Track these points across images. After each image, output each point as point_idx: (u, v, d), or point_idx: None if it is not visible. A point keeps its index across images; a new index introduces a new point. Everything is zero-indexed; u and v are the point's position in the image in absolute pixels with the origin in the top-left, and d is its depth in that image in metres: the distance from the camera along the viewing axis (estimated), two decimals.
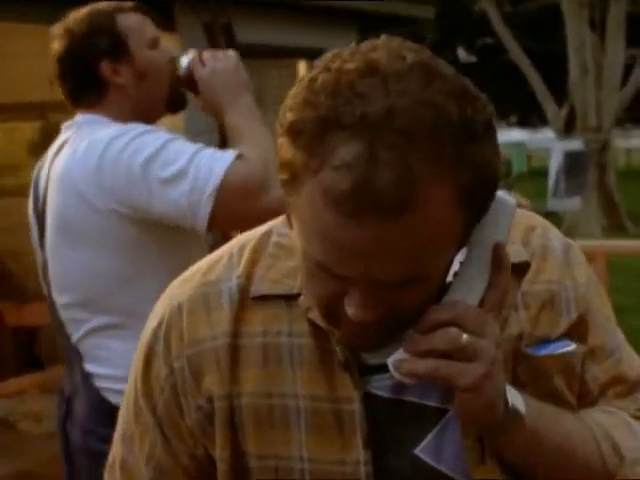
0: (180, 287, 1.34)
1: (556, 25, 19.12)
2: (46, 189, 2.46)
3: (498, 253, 1.18)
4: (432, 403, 1.25)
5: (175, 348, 1.30)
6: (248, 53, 8.49)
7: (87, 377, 2.46)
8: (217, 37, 7.37)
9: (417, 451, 1.25)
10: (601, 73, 17.75)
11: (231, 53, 2.52)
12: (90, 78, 2.44)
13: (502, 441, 1.21)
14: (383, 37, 1.13)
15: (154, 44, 2.49)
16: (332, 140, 1.04)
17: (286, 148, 1.09)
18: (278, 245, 1.30)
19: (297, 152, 1.07)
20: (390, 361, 1.16)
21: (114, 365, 2.40)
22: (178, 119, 2.60)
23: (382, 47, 1.09)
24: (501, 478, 1.24)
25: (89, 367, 2.46)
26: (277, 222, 1.32)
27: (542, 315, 1.29)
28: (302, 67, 9.44)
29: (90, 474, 2.47)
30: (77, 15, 2.45)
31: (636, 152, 37.75)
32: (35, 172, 2.57)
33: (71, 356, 2.51)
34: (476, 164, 1.07)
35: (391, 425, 1.25)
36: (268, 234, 1.33)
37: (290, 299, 1.26)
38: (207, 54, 2.49)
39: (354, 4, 9.76)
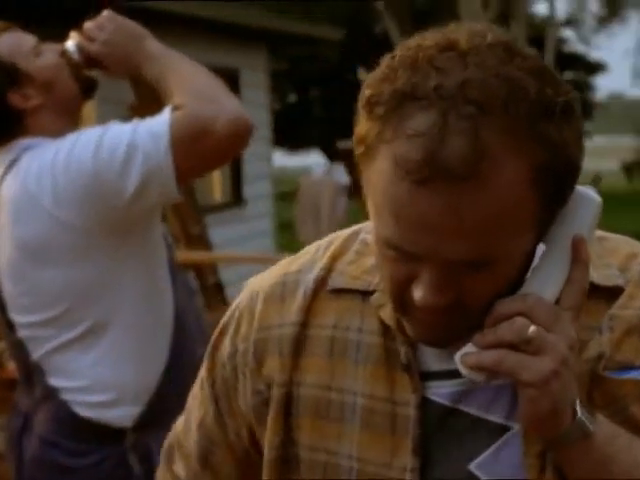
0: (265, 275, 1.35)
1: None
2: None
3: (577, 247, 1.15)
4: (494, 418, 1.21)
5: (244, 331, 1.32)
6: None
7: (51, 391, 2.44)
8: None
9: (472, 466, 1.21)
10: None
11: (107, 14, 2.48)
12: (4, 115, 2.43)
13: (566, 458, 1.16)
14: (465, 23, 1.14)
15: (38, 52, 2.46)
16: (406, 111, 1.05)
17: (362, 122, 1.09)
18: (363, 242, 1.29)
19: (372, 124, 1.07)
20: (457, 355, 1.13)
21: (81, 377, 2.40)
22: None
23: (463, 28, 1.11)
24: None
25: (54, 381, 2.43)
26: (368, 223, 1.30)
27: (627, 340, 1.21)
28: None
29: None
30: None
31: None
32: None
33: (30, 372, 2.48)
34: (551, 144, 1.07)
35: (445, 435, 1.22)
36: (357, 232, 1.32)
37: (365, 295, 1.25)
38: (88, 27, 2.46)
39: (264, 23, 9.85)
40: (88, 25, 2.45)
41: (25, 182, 2.36)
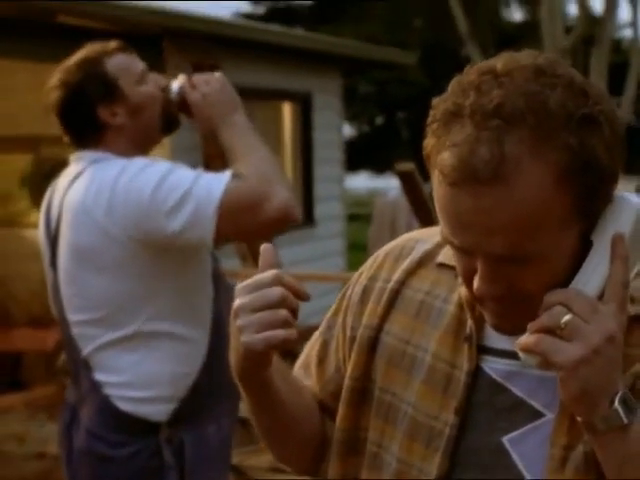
0: (398, 239, 1.55)
1: None
2: (59, 216, 2.66)
3: (616, 244, 1.25)
4: (533, 403, 1.33)
5: (363, 278, 1.51)
6: None
7: (96, 386, 2.64)
8: None
9: (505, 439, 1.34)
10: None
11: (218, 75, 2.70)
12: (89, 123, 2.64)
13: (599, 444, 1.24)
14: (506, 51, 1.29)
15: (142, 78, 2.67)
16: (451, 127, 1.22)
17: (427, 139, 1.26)
18: None
19: (431, 138, 1.25)
20: (517, 341, 1.25)
21: (123, 373, 2.61)
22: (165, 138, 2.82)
23: (506, 55, 1.27)
24: None
25: (99, 376, 2.64)
26: None
27: None
28: (287, 109, 9.65)
29: (94, 475, 2.66)
30: (69, 66, 2.64)
31: None
32: (47, 197, 2.76)
33: (79, 367, 2.69)
34: (573, 151, 1.19)
35: (488, 405, 1.35)
36: None
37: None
38: (197, 78, 2.68)
39: (339, 49, 9.99)
40: (199, 76, 2.68)
41: (85, 194, 2.58)
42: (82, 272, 2.63)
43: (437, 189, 1.25)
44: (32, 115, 8.03)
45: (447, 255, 1.42)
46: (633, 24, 18.63)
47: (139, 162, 2.57)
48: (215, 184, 2.50)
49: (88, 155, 2.66)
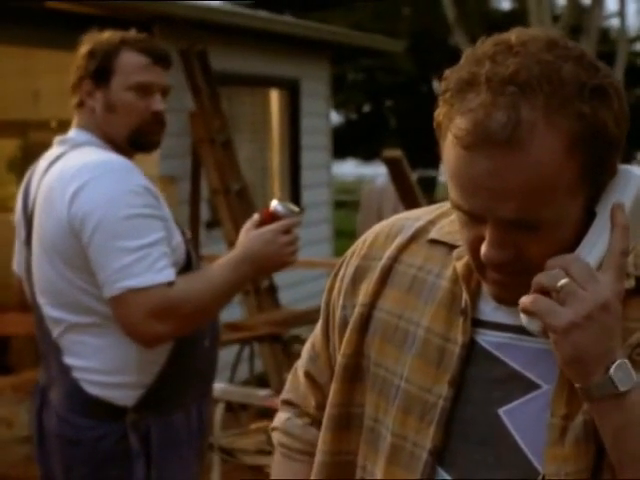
0: (389, 219, 1.58)
1: None
2: (35, 198, 2.68)
3: (614, 214, 1.29)
4: (529, 375, 1.35)
5: (354, 258, 1.54)
6: (222, 80, 8.71)
7: (65, 369, 2.67)
8: (192, 63, 7.63)
9: (501, 411, 1.36)
10: None
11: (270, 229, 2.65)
12: (77, 87, 2.70)
13: (596, 410, 1.27)
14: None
15: (139, 89, 2.66)
16: (465, 95, 1.25)
17: (439, 108, 1.30)
18: None
19: (443, 107, 1.29)
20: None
21: (90, 358, 2.64)
22: None
23: (517, 29, 1.30)
24: (575, 466, 1.30)
25: (67, 360, 2.67)
26: None
27: None
28: (275, 96, 9.64)
29: (63, 458, 2.69)
30: (100, 34, 2.71)
31: None
32: (27, 177, 2.79)
33: (49, 350, 2.72)
34: (585, 120, 1.23)
35: (483, 377, 1.38)
36: None
37: (452, 248, 1.45)
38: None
39: (327, 36, 9.99)
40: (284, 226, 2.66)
41: (57, 181, 2.61)
42: (47, 257, 2.64)
43: (449, 153, 1.28)
44: (20, 100, 8.07)
45: (440, 232, 1.47)
46: (620, 14, 18.68)
47: (119, 174, 2.58)
48: (152, 269, 2.50)
49: (71, 138, 2.70)
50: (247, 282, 2.71)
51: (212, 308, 2.63)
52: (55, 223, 2.59)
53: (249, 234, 2.64)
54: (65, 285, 2.61)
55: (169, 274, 2.52)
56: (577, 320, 1.23)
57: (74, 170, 2.58)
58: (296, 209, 2.73)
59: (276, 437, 1.69)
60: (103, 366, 2.63)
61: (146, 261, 2.49)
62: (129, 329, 2.54)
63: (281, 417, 1.70)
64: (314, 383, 1.63)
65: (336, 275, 1.58)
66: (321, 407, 1.57)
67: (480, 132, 1.22)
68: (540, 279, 1.26)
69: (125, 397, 2.63)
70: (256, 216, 2.68)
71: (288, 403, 1.70)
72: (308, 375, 1.64)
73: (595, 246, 1.28)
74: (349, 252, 1.57)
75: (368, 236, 1.55)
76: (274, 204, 2.69)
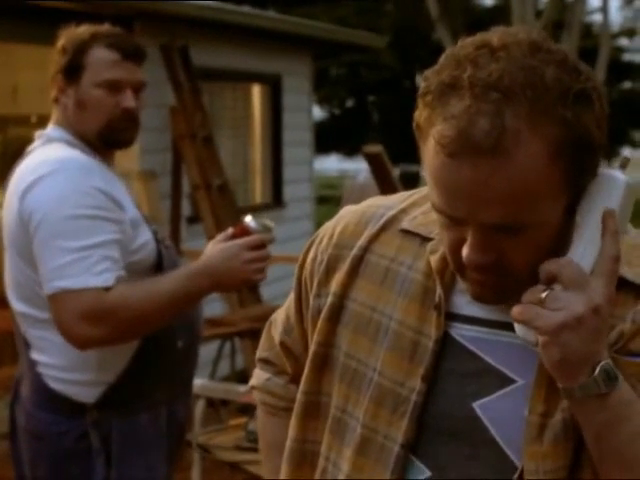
0: (356, 205, 1.57)
1: None
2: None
3: (606, 220, 1.29)
4: (504, 369, 1.36)
5: (324, 244, 1.53)
6: (204, 75, 8.68)
7: (31, 364, 2.67)
8: (173, 59, 7.62)
9: (475, 405, 1.37)
10: None
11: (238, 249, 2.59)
12: (53, 83, 2.68)
13: (579, 410, 1.28)
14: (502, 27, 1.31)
15: (109, 86, 2.63)
16: (447, 99, 1.24)
17: (418, 109, 1.29)
18: None
19: (424, 110, 1.27)
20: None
21: (52, 354, 2.62)
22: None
23: (500, 30, 1.29)
24: (553, 464, 1.30)
25: (33, 355, 2.66)
26: None
27: None
28: (256, 91, 9.63)
29: (29, 452, 2.69)
30: (74, 29, 2.68)
31: None
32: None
33: (20, 345, 2.72)
34: (569, 126, 1.23)
35: (458, 371, 1.38)
36: None
37: (424, 240, 1.44)
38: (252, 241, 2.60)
39: (309, 31, 9.98)
40: (252, 242, 2.58)
41: (19, 175, 2.60)
42: (9, 250, 2.65)
43: (432, 160, 1.26)
44: None
45: (412, 223, 1.48)
46: (603, 9, 18.75)
47: (76, 172, 2.55)
48: (90, 272, 2.46)
49: (46, 134, 2.69)
50: (203, 295, 2.63)
51: (154, 317, 2.54)
52: (12, 217, 2.59)
53: (215, 246, 2.60)
54: (24, 279, 2.61)
55: (107, 278, 2.47)
56: (568, 322, 1.23)
57: (33, 165, 2.58)
58: (270, 225, 2.64)
59: (258, 396, 1.71)
60: (63, 362, 2.62)
61: (84, 263, 2.45)
62: (61, 329, 2.51)
63: (260, 376, 1.72)
64: (290, 353, 1.65)
65: (307, 252, 1.57)
66: (298, 375, 1.59)
67: (464, 140, 1.22)
68: (524, 298, 1.27)
69: (85, 394, 2.62)
70: (230, 230, 2.64)
71: (265, 361, 1.72)
72: (283, 345, 1.66)
73: (586, 251, 1.29)
74: (320, 234, 1.56)
75: (338, 223, 1.55)
76: (247, 219, 2.63)
